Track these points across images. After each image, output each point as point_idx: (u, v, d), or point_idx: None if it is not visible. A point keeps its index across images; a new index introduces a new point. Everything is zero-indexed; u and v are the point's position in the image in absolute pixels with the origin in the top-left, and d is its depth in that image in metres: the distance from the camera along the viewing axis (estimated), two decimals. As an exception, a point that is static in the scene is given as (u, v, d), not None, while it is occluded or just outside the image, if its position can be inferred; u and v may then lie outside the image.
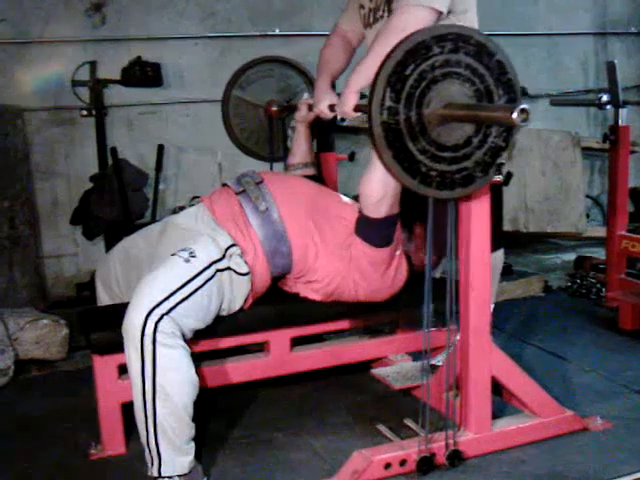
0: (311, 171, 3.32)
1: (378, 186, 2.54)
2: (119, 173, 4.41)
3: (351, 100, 2.68)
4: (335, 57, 3.23)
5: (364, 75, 2.63)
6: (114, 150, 4.42)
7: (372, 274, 2.78)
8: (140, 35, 4.92)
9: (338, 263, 2.76)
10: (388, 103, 2.08)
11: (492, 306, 3.33)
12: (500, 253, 3.27)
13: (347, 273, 2.77)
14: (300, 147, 3.34)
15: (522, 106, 1.96)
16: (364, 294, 2.83)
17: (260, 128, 3.79)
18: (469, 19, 2.87)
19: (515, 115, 1.95)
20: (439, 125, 2.15)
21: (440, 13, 2.71)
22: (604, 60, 5.62)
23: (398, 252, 2.81)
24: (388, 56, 2.08)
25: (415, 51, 2.08)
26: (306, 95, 3.58)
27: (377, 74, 2.08)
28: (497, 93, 2.21)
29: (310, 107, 3.32)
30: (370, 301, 2.86)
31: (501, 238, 3.23)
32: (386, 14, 2.98)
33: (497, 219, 3.21)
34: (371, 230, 2.70)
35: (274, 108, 3.65)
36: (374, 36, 3.01)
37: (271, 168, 3.78)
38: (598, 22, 6.45)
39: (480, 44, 2.17)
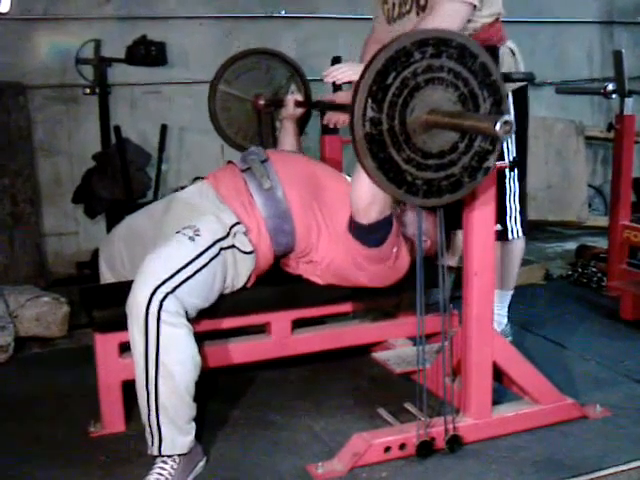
0: None
1: (366, 192, 2.51)
2: (122, 152, 4.40)
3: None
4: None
5: None
6: (117, 129, 4.40)
7: (368, 267, 2.78)
8: (145, 14, 4.90)
9: (340, 246, 2.76)
10: (370, 114, 2.03)
11: (511, 293, 3.35)
12: (522, 240, 3.27)
13: (347, 256, 2.76)
14: (287, 143, 3.35)
15: (505, 118, 1.94)
16: (365, 280, 2.83)
17: (248, 122, 3.74)
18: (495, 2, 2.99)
19: (498, 126, 1.94)
20: (424, 132, 2.12)
21: (474, 7, 2.78)
22: (610, 49, 5.61)
23: (395, 249, 2.77)
24: (368, 65, 2.04)
25: (395, 58, 2.04)
26: (293, 88, 3.56)
27: (357, 84, 2.04)
28: (482, 96, 2.17)
29: (297, 103, 3.32)
30: (372, 286, 2.86)
31: (526, 224, 3.23)
32: (414, 8, 2.99)
33: (524, 205, 3.21)
34: (362, 233, 2.69)
35: (261, 102, 3.60)
36: (400, 31, 3.03)
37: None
38: (605, 11, 6.43)
39: (462, 46, 2.12)
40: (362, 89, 2.02)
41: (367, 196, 2.52)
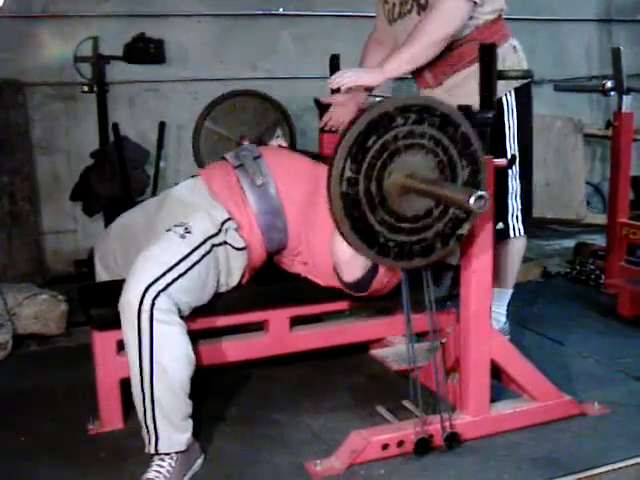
0: None
1: (345, 248, 2.45)
2: (120, 150, 4.40)
3: (374, 77, 2.71)
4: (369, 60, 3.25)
5: (401, 59, 2.69)
6: (115, 126, 4.40)
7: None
8: (144, 11, 4.89)
9: (329, 251, 2.75)
10: (348, 174, 2.06)
11: (510, 291, 3.35)
12: (523, 239, 3.27)
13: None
14: None
15: (479, 193, 1.96)
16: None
17: None
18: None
19: (472, 201, 1.95)
20: (400, 196, 2.14)
21: (475, 3, 2.79)
22: (608, 47, 5.60)
23: (387, 279, 2.75)
24: (350, 126, 2.06)
25: (378, 122, 2.07)
26: (278, 132, 3.56)
27: (337, 145, 2.06)
28: (460, 165, 2.20)
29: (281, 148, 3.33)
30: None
31: (528, 222, 3.23)
32: (415, 8, 3.00)
33: (528, 203, 3.21)
34: (346, 286, 2.72)
35: (246, 143, 3.60)
36: (400, 32, 3.04)
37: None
38: (603, 9, 6.43)
39: (445, 115, 2.15)
40: (342, 149, 2.05)
41: (348, 254, 2.52)
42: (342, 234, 2.14)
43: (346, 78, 2.87)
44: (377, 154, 2.09)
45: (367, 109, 2.10)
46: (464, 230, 2.27)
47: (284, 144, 3.40)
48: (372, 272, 2.67)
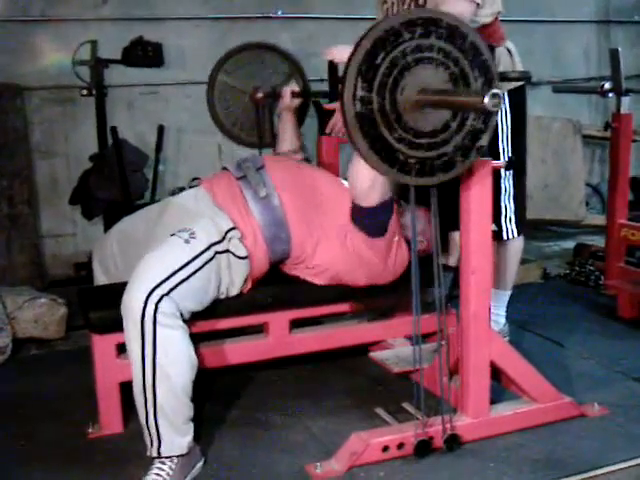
0: (300, 156, 3.34)
1: (365, 175, 2.52)
2: (119, 153, 4.40)
3: None
4: None
5: None
6: (114, 130, 4.40)
7: (372, 259, 2.78)
8: (142, 15, 4.90)
9: (338, 250, 2.76)
10: (360, 93, 2.03)
11: (509, 293, 3.34)
12: (520, 240, 3.27)
13: (347, 259, 2.77)
14: (287, 134, 3.37)
15: (494, 91, 1.94)
16: (365, 278, 2.83)
17: (245, 114, 3.76)
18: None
19: (487, 100, 1.94)
20: (415, 111, 2.11)
21: (477, 5, 2.79)
22: (606, 48, 5.60)
23: (397, 238, 2.80)
24: (357, 45, 2.03)
25: (385, 38, 2.04)
26: (292, 81, 3.57)
27: (347, 64, 2.03)
28: (472, 75, 2.17)
29: (295, 94, 3.32)
30: (371, 284, 2.86)
31: (523, 225, 3.23)
32: (412, 8, 3.00)
33: (521, 206, 3.21)
34: (365, 219, 2.71)
35: (259, 94, 3.62)
36: None
37: (260, 154, 3.74)
38: (601, 10, 6.43)
39: (451, 26, 2.12)
40: (352, 68, 2.02)
41: (366, 179, 2.55)
42: (361, 155, 2.11)
43: (344, 52, 2.87)
44: (387, 71, 2.05)
45: (372, 27, 2.07)
46: (483, 142, 2.25)
47: (296, 89, 3.39)
48: (389, 206, 2.70)
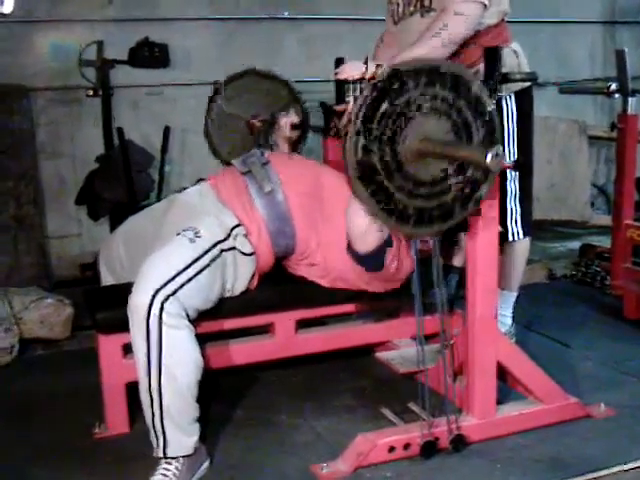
0: None
1: (361, 220, 2.49)
2: (125, 154, 4.40)
3: (376, 70, 2.70)
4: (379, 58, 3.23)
5: (410, 58, 2.69)
6: (120, 131, 4.41)
7: (369, 281, 2.80)
8: (148, 16, 4.89)
9: (341, 248, 2.75)
10: (362, 142, 2.04)
11: (515, 294, 3.34)
12: (526, 241, 3.27)
13: (347, 265, 2.76)
14: None
15: (496, 150, 1.94)
16: (365, 287, 2.84)
17: (242, 141, 3.74)
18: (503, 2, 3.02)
19: (489, 158, 1.94)
20: (416, 161, 2.12)
21: (485, 6, 2.79)
22: (612, 49, 5.59)
23: (395, 263, 2.77)
24: (362, 93, 2.04)
25: (389, 87, 2.05)
26: (291, 110, 3.56)
27: (351, 112, 2.05)
28: (475, 126, 2.18)
29: (294, 126, 3.31)
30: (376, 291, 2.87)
31: (529, 226, 3.22)
32: (418, 9, 3.00)
33: (527, 207, 3.21)
34: (361, 261, 2.70)
35: (257, 122, 3.59)
36: (403, 33, 3.04)
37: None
38: (607, 11, 6.41)
39: (456, 76, 2.13)
40: (355, 117, 2.03)
41: (363, 224, 2.52)
42: (360, 202, 2.12)
43: (354, 69, 2.87)
44: (390, 120, 2.06)
45: (377, 77, 2.07)
46: (482, 192, 2.25)
47: (296, 120, 3.39)
48: (386, 245, 2.67)
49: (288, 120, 3.35)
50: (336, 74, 2.98)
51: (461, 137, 2.17)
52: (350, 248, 2.68)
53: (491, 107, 2.20)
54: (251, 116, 3.64)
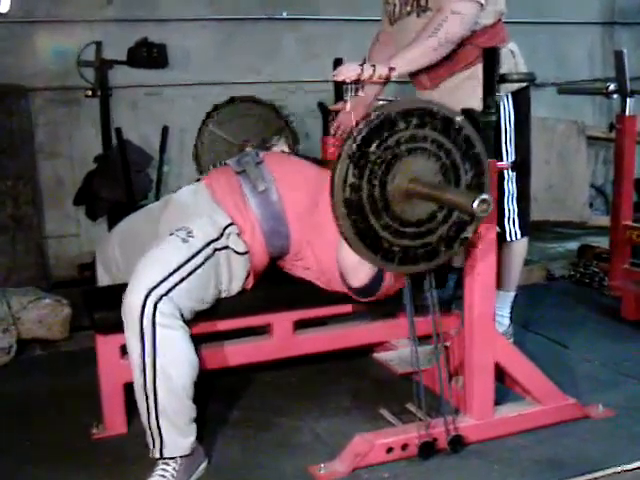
0: None
1: (352, 254, 2.38)
2: (123, 154, 4.40)
3: (379, 72, 2.69)
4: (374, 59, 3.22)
5: (406, 58, 2.69)
6: (119, 131, 4.40)
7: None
8: (147, 16, 4.90)
9: (333, 255, 2.75)
10: (351, 180, 2.06)
11: (513, 294, 3.34)
12: (524, 241, 3.27)
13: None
14: None
15: (483, 197, 1.95)
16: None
17: None
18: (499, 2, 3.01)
19: (475, 205, 1.95)
20: (403, 201, 2.14)
21: (482, 5, 2.79)
22: (611, 50, 5.60)
23: (392, 282, 2.76)
24: (352, 131, 2.06)
25: (380, 127, 2.06)
26: (282, 139, 3.56)
27: (340, 151, 2.06)
28: (464, 168, 2.20)
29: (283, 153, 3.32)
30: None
31: (526, 226, 3.22)
32: (415, 10, 3.00)
33: (525, 207, 3.21)
34: (354, 292, 2.72)
35: (248, 148, 3.60)
36: (399, 33, 3.04)
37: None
38: (606, 11, 6.42)
39: (447, 119, 2.15)
40: (344, 154, 2.05)
41: (354, 260, 2.48)
42: (346, 240, 2.14)
43: (351, 71, 2.87)
44: (380, 159, 2.09)
45: (368, 114, 2.09)
46: (468, 233, 2.27)
47: (286, 149, 3.39)
48: (379, 276, 2.66)
49: (278, 149, 3.36)
50: (334, 76, 2.98)
51: (449, 179, 2.20)
52: (344, 280, 2.69)
53: (480, 149, 2.22)
54: (242, 141, 3.65)
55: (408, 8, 3.04)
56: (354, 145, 2.05)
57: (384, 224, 2.14)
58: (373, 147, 2.07)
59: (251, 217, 2.75)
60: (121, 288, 2.51)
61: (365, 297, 2.76)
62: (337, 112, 3.44)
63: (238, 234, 2.70)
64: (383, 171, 2.10)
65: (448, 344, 2.73)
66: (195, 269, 2.51)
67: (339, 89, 3.40)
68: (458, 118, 2.18)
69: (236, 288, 2.74)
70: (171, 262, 2.46)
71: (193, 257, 2.52)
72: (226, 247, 2.65)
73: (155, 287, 2.37)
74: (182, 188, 2.97)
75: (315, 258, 2.80)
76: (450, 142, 2.17)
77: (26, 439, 2.73)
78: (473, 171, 2.22)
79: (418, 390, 2.52)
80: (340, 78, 2.89)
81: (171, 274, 2.43)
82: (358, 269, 2.59)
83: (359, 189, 2.08)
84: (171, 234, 2.58)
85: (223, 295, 2.71)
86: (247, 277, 2.75)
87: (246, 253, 2.71)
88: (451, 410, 2.56)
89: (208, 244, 2.59)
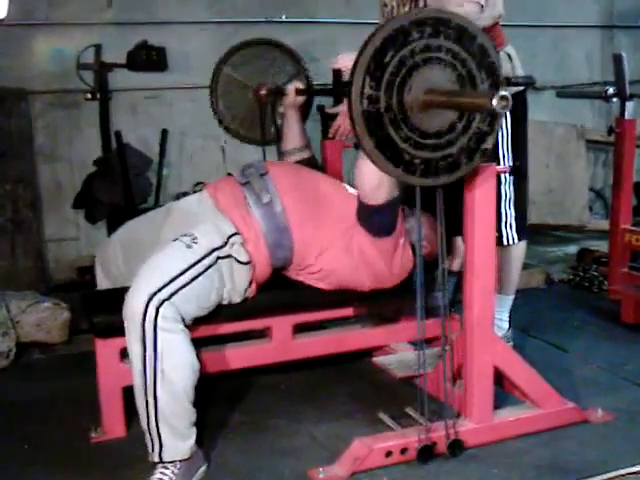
0: (307, 154, 3.32)
1: (372, 173, 2.47)
2: (123, 157, 4.40)
3: None
4: None
5: None
6: (118, 134, 4.40)
7: (377, 261, 2.77)
8: (146, 19, 4.90)
9: (342, 254, 2.75)
10: (368, 91, 2.03)
11: (512, 297, 3.34)
12: (522, 245, 3.27)
13: (352, 263, 2.76)
14: (292, 132, 3.33)
15: (502, 93, 1.94)
16: (369, 282, 2.83)
17: (247, 110, 3.75)
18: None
19: (495, 101, 1.93)
20: (421, 112, 2.11)
21: (482, 6, 2.79)
22: (610, 53, 5.60)
23: (402, 240, 2.80)
24: (366, 43, 2.03)
25: (394, 37, 2.04)
26: (294, 80, 3.56)
27: (356, 62, 2.03)
28: (480, 77, 2.18)
29: (299, 91, 3.31)
30: (375, 289, 2.86)
31: (524, 230, 3.22)
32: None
33: (522, 211, 3.20)
34: (372, 218, 2.69)
35: (263, 91, 3.60)
36: None
37: (263, 152, 3.72)
38: (605, 15, 6.42)
39: (461, 27, 2.13)
40: (360, 66, 2.02)
41: (374, 177, 2.51)
42: (367, 154, 2.11)
43: (349, 60, 2.87)
44: (395, 70, 2.06)
45: (381, 26, 2.07)
46: (488, 144, 2.25)
47: (301, 86, 3.38)
48: (395, 203, 2.66)
49: (293, 86, 3.34)
50: (333, 64, 2.98)
51: (466, 88, 2.18)
52: (360, 208, 2.69)
53: (495, 58, 2.19)
54: (257, 85, 3.65)
55: (406, 9, 3.04)
56: (368, 55, 2.02)
57: (404, 136, 2.11)
58: (388, 57, 2.04)
59: (255, 228, 2.74)
60: (119, 292, 2.52)
61: (382, 231, 2.73)
62: (335, 115, 3.44)
63: (242, 244, 2.70)
64: (400, 82, 2.07)
65: (448, 348, 2.73)
66: (198, 275, 2.51)
67: (338, 94, 3.40)
68: (472, 26, 2.15)
69: (237, 297, 2.73)
70: (174, 267, 2.47)
71: (196, 263, 2.53)
72: (229, 256, 2.65)
73: (158, 291, 2.38)
74: (185, 197, 2.98)
75: (319, 264, 2.80)
76: (465, 51, 2.14)
77: (25, 443, 2.73)
78: (489, 80, 2.19)
79: (421, 394, 2.52)
80: (337, 66, 2.91)
81: (174, 279, 2.43)
82: (379, 187, 2.57)
83: (377, 100, 2.05)
84: (175, 240, 2.58)
85: (225, 303, 2.71)
86: (249, 287, 2.75)
87: (248, 263, 2.71)
88: (451, 414, 2.55)
89: (212, 251, 2.59)
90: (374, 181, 2.54)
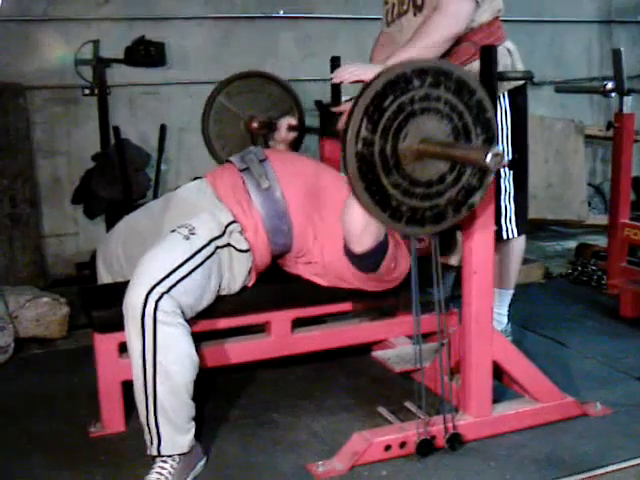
0: None
1: (359, 218, 2.45)
2: (121, 153, 4.39)
3: (377, 72, 2.70)
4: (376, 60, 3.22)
5: (402, 58, 2.69)
6: (116, 129, 4.39)
7: (366, 282, 2.80)
8: (144, 15, 4.89)
9: (339, 246, 2.75)
10: (364, 133, 2.04)
11: (511, 292, 3.34)
12: (521, 240, 3.27)
13: (343, 264, 2.75)
14: None
15: (496, 151, 1.95)
16: (361, 286, 2.83)
17: (237, 140, 3.73)
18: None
19: (489, 158, 1.94)
20: (414, 160, 2.12)
21: (477, 3, 2.79)
22: (609, 48, 5.61)
23: (393, 264, 2.74)
24: (367, 86, 2.04)
25: (395, 83, 2.05)
26: (287, 116, 3.56)
27: (355, 102, 2.04)
28: (475, 132, 2.19)
29: (291, 127, 3.32)
30: (377, 289, 2.86)
31: (524, 224, 3.22)
32: (411, 9, 3.01)
33: (522, 205, 3.21)
34: (357, 261, 2.68)
35: (255, 124, 3.60)
36: (397, 32, 3.05)
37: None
38: (604, 10, 6.42)
39: (461, 81, 2.14)
40: (359, 108, 2.03)
41: (360, 223, 2.48)
42: (355, 195, 2.10)
43: (349, 73, 2.88)
44: (393, 115, 2.06)
45: (385, 70, 2.07)
46: (476, 199, 2.25)
47: (293, 122, 3.38)
48: (383, 247, 2.63)
49: (285, 122, 3.34)
50: (334, 79, 2.99)
51: (460, 141, 2.18)
52: (346, 249, 2.67)
53: (492, 114, 2.21)
54: (249, 117, 3.64)
55: (404, 7, 3.05)
56: (368, 98, 2.03)
57: (394, 182, 2.11)
58: (387, 102, 2.05)
59: (254, 215, 2.74)
60: (118, 286, 2.52)
61: (368, 270, 2.71)
62: (340, 114, 3.44)
63: (240, 232, 2.70)
64: (396, 128, 2.08)
65: (445, 342, 2.73)
66: (197, 267, 2.51)
67: (336, 87, 3.41)
68: (472, 81, 2.17)
69: (237, 286, 2.73)
70: (173, 260, 2.47)
71: (195, 255, 2.52)
72: (228, 245, 2.65)
73: (157, 284, 2.37)
74: (185, 185, 2.97)
75: (319, 253, 2.80)
76: (463, 104, 2.16)
77: (24, 437, 2.73)
78: (484, 135, 2.20)
79: (419, 388, 2.52)
80: (338, 80, 2.91)
81: (173, 272, 2.43)
82: (363, 234, 2.53)
83: (371, 144, 2.05)
84: (173, 231, 2.58)
85: (224, 293, 2.71)
86: (248, 275, 2.75)
87: (248, 251, 2.71)
88: (450, 408, 2.56)
89: (210, 242, 2.59)
90: (360, 226, 2.50)
